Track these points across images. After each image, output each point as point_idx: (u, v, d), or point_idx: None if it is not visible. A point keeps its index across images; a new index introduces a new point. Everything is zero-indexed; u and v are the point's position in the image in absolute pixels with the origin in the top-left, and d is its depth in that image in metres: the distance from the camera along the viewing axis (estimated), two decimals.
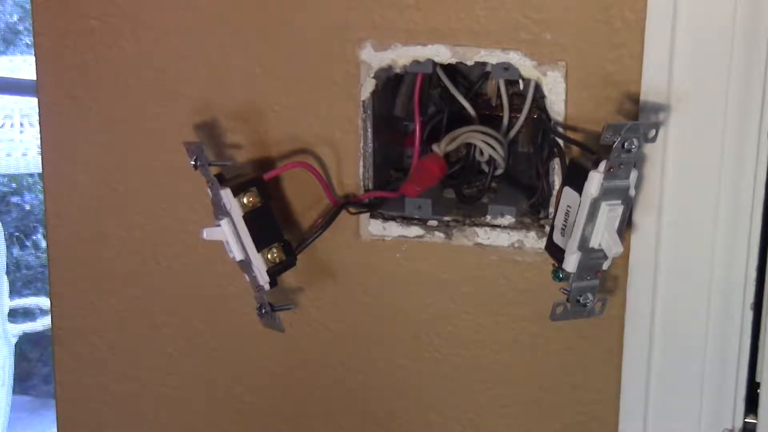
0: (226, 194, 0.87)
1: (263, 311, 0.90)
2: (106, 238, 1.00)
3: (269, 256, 0.88)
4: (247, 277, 0.89)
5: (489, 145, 0.94)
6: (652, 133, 0.80)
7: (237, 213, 0.87)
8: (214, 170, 0.89)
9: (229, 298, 0.98)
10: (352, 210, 0.92)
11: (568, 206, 0.82)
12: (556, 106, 0.86)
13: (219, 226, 0.87)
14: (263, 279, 0.88)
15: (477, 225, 0.92)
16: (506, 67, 0.87)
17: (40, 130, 0.99)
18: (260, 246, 0.88)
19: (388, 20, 0.88)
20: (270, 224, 0.88)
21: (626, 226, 0.83)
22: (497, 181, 0.96)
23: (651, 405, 0.91)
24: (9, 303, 2.38)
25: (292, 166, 0.91)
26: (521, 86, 0.95)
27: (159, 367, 1.03)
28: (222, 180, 0.88)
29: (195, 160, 0.87)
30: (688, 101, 0.83)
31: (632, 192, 0.80)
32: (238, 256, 0.87)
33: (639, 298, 0.89)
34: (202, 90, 0.94)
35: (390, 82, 0.93)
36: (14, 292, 2.56)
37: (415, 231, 0.93)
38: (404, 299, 0.95)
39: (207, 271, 0.98)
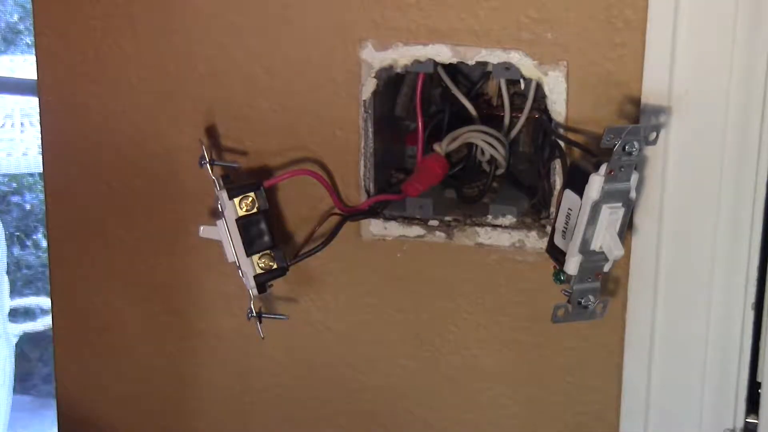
0: (222, 196, 0.87)
1: (249, 316, 0.90)
2: (106, 238, 1.00)
3: (259, 263, 0.88)
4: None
5: (490, 144, 0.94)
6: (653, 135, 0.80)
7: (231, 216, 0.87)
8: (221, 171, 0.89)
9: (229, 298, 0.98)
10: (354, 219, 0.92)
11: (569, 209, 0.81)
12: (557, 105, 0.86)
13: (216, 225, 0.88)
14: (249, 284, 0.88)
15: (478, 225, 0.92)
16: (507, 66, 0.87)
17: (41, 130, 0.99)
18: (250, 252, 0.88)
19: (389, 20, 0.88)
20: (263, 231, 0.88)
21: (627, 228, 0.83)
22: (498, 181, 0.96)
23: (652, 405, 0.91)
24: (9, 303, 2.37)
25: (296, 173, 0.91)
26: (522, 86, 0.95)
27: (159, 368, 1.03)
28: (227, 182, 0.88)
29: (200, 159, 0.87)
30: (689, 101, 0.83)
31: (633, 194, 0.80)
32: (230, 258, 0.88)
33: (640, 299, 0.89)
34: (202, 90, 0.94)
35: (391, 82, 0.93)
36: (15, 291, 2.55)
37: (416, 231, 0.92)
38: (405, 299, 0.95)
39: (207, 271, 0.98)
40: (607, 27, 0.84)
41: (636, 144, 0.78)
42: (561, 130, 0.86)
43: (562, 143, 0.86)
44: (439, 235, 0.92)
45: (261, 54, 0.92)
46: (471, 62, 0.88)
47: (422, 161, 0.93)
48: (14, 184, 2.82)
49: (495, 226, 0.91)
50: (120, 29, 0.94)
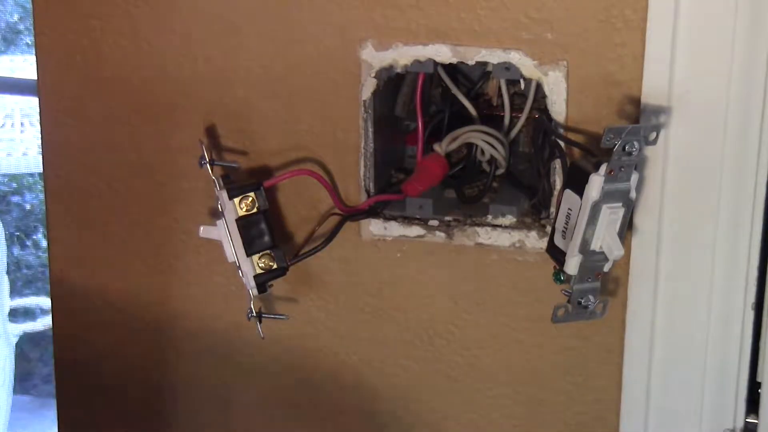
0: (222, 196, 0.87)
1: (249, 316, 0.90)
2: (106, 238, 1.00)
3: (259, 262, 0.88)
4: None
5: (490, 144, 0.94)
6: (653, 135, 0.80)
7: (231, 216, 0.87)
8: (221, 171, 0.89)
9: (229, 298, 0.98)
10: (354, 219, 0.92)
11: (569, 209, 0.81)
12: (558, 105, 0.86)
13: (216, 225, 0.88)
14: (249, 284, 0.88)
15: (478, 225, 0.92)
16: (507, 66, 0.87)
17: (41, 130, 0.99)
18: (250, 252, 0.88)
19: (390, 20, 0.88)
20: (263, 231, 0.88)
21: (627, 228, 0.83)
22: (498, 180, 0.96)
23: (652, 405, 0.91)
24: (9, 303, 2.37)
25: (296, 173, 0.91)
26: (522, 86, 0.95)
27: (159, 367, 1.03)
28: (227, 182, 0.88)
29: (200, 159, 0.87)
30: (689, 101, 0.83)
31: (633, 194, 0.80)
32: (230, 258, 0.88)
33: (640, 299, 0.89)
34: (202, 90, 0.94)
35: (391, 82, 0.93)
36: (15, 291, 2.55)
37: (416, 231, 0.92)
38: (405, 299, 0.95)
39: (207, 271, 0.98)
40: (607, 27, 0.84)
41: (636, 144, 0.78)
42: (561, 130, 0.86)
43: (562, 143, 0.86)
44: (439, 235, 0.92)
45: (261, 54, 0.92)
46: (471, 62, 0.88)
47: (422, 161, 0.93)
48: (14, 184, 2.82)
49: (495, 226, 0.91)
50: (120, 29, 0.94)
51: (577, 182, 0.81)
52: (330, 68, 0.90)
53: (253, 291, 0.89)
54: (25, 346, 2.61)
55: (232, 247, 0.88)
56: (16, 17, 2.81)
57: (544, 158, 0.90)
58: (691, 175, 0.85)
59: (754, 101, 0.82)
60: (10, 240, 2.67)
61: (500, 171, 0.95)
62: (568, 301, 0.83)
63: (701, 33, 0.82)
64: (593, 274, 0.82)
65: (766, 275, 0.87)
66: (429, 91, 0.99)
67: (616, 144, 0.77)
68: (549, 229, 0.88)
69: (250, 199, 0.88)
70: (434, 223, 0.93)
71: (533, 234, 0.90)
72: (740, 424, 0.90)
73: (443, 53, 0.88)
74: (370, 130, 0.91)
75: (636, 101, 0.84)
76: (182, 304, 1.01)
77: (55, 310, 1.04)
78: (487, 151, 0.94)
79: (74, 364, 1.05)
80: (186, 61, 0.93)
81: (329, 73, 0.90)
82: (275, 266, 0.89)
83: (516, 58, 0.86)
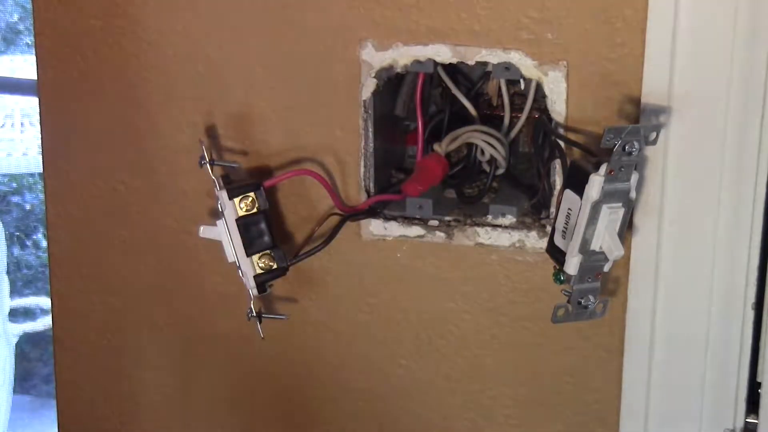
0: (222, 196, 0.87)
1: (249, 316, 0.90)
2: (106, 238, 1.00)
3: (259, 262, 0.88)
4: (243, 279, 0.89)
5: (490, 144, 0.94)
6: (653, 135, 0.80)
7: (231, 216, 0.87)
8: (221, 171, 0.89)
9: (229, 298, 0.98)
10: (354, 219, 0.92)
11: (569, 209, 0.81)
12: (557, 105, 0.86)
13: (216, 225, 0.88)
14: (249, 284, 0.88)
15: (478, 225, 0.92)
16: (507, 66, 0.87)
17: (41, 130, 0.99)
18: (250, 252, 0.88)
19: (389, 20, 0.88)
20: (264, 231, 0.88)
21: (627, 228, 0.83)
22: (498, 180, 0.96)
23: (652, 405, 0.91)
24: (9, 303, 2.37)
25: (296, 173, 0.91)
26: (522, 86, 0.95)
27: (159, 367, 1.03)
28: (227, 181, 0.88)
29: (200, 159, 0.87)
30: (689, 101, 0.83)
31: (633, 194, 0.80)
32: (230, 258, 0.88)
33: (640, 299, 0.89)
34: (202, 90, 0.94)
35: (391, 82, 0.93)
36: (15, 291, 2.55)
37: (416, 231, 0.92)
38: (405, 299, 0.95)
39: (207, 271, 0.98)
40: (607, 27, 0.84)
41: (636, 144, 0.78)
42: (561, 130, 0.86)
43: (562, 143, 0.86)
44: (439, 235, 0.92)
45: (261, 54, 0.92)
46: (471, 62, 0.88)
47: (422, 161, 0.93)
48: (14, 184, 2.82)
49: (495, 226, 0.91)
50: (120, 29, 0.94)
51: (577, 182, 0.81)
52: (330, 68, 0.90)
53: (253, 291, 0.89)
54: (25, 346, 2.61)
55: (232, 247, 0.88)
56: (16, 17, 2.80)
57: (544, 158, 0.90)
58: (691, 175, 0.85)
59: (754, 101, 0.82)
60: (10, 240, 2.67)
61: (500, 171, 0.95)
62: (568, 301, 0.83)
63: (701, 33, 0.82)
64: (593, 274, 0.82)
65: (766, 275, 0.87)
66: (429, 91, 0.99)
67: (616, 144, 0.77)
68: (549, 229, 0.88)
69: (250, 199, 0.88)
70: (434, 223, 0.93)
71: (533, 234, 0.90)
72: (740, 424, 0.90)
73: (443, 53, 0.88)
74: (370, 130, 0.91)
75: (636, 101, 0.84)
76: (181, 304, 1.01)
77: (55, 310, 1.04)
78: (487, 151, 0.94)
79: (74, 364, 1.05)
80: (186, 61, 0.93)
81: (329, 73, 0.90)
82: (275, 266, 0.89)
83: (516, 58, 0.86)
